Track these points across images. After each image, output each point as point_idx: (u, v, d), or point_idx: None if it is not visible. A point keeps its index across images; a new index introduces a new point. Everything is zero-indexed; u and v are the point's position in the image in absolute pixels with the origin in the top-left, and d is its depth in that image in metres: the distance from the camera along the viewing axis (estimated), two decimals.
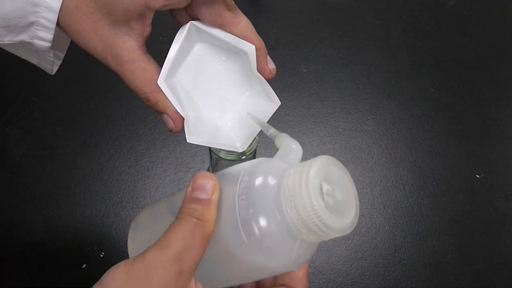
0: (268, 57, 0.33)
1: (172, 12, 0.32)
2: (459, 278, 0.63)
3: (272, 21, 0.84)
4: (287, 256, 0.25)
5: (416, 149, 0.73)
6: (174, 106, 0.32)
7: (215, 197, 0.25)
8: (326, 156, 0.25)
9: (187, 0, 0.30)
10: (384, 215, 0.67)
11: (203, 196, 0.25)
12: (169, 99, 0.31)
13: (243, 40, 0.32)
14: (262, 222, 0.24)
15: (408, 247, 0.64)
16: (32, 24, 0.29)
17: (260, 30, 0.33)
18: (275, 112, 0.35)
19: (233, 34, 0.32)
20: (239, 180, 0.26)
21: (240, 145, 0.34)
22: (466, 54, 0.85)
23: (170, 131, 0.33)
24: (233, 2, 0.31)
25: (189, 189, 0.26)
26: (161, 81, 0.31)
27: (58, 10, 0.29)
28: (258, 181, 0.25)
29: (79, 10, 0.29)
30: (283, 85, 0.78)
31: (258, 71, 0.33)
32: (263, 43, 0.32)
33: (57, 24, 0.30)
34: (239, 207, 0.25)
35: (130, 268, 0.24)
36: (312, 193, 0.22)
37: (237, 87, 0.35)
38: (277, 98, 0.34)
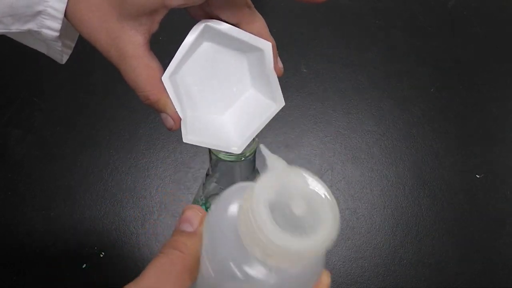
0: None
1: (186, 8, 0.32)
2: (459, 278, 0.63)
3: (272, 21, 0.84)
4: None
5: (416, 149, 0.73)
6: (174, 104, 0.31)
7: (200, 229, 0.24)
8: (270, 173, 0.21)
9: None
10: (384, 215, 0.67)
11: (189, 228, 0.25)
12: (171, 96, 0.31)
13: (259, 38, 0.32)
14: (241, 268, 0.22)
15: (408, 247, 0.64)
16: (39, 13, 0.29)
17: None
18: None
19: (250, 32, 0.32)
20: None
21: (236, 148, 0.34)
22: (466, 54, 0.85)
23: (170, 129, 0.32)
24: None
25: (177, 222, 0.25)
26: (165, 78, 0.31)
27: (66, 0, 0.28)
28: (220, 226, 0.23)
29: (88, 0, 0.29)
30: (283, 85, 0.78)
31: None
32: (275, 42, 0.33)
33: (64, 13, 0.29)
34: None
35: None
36: (262, 224, 0.20)
37: (241, 83, 0.35)
38: (282, 99, 0.34)
